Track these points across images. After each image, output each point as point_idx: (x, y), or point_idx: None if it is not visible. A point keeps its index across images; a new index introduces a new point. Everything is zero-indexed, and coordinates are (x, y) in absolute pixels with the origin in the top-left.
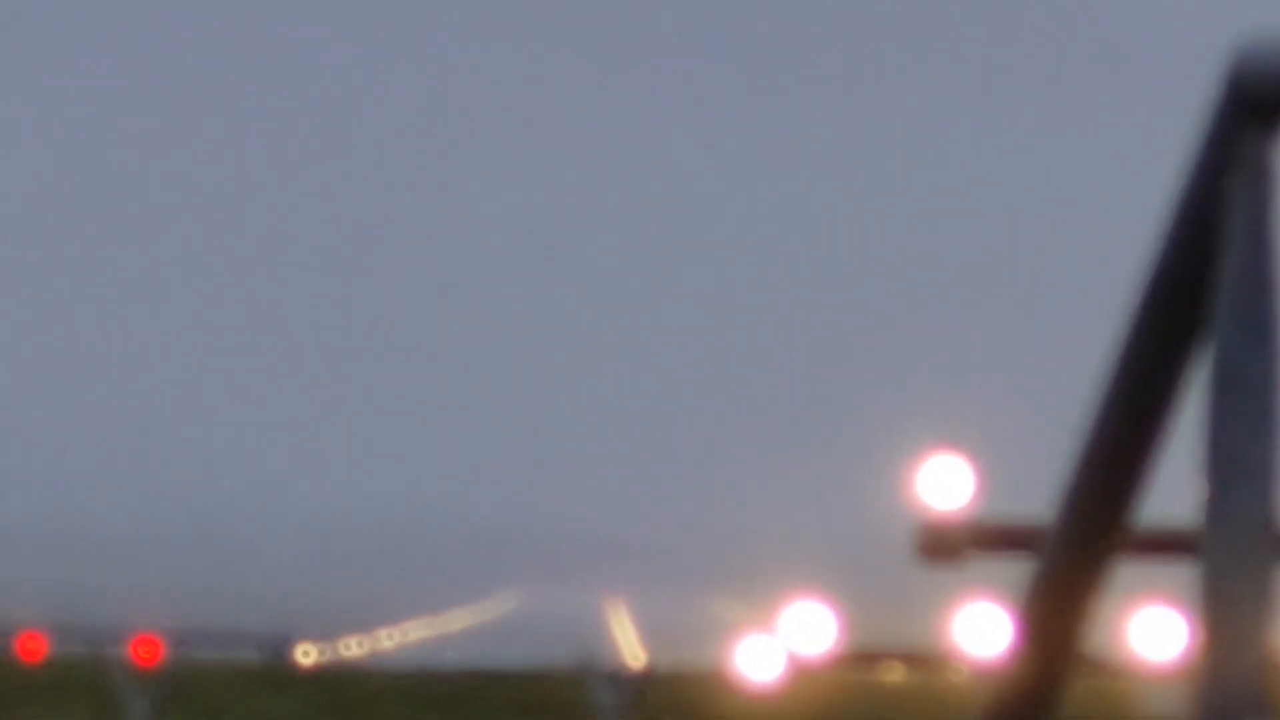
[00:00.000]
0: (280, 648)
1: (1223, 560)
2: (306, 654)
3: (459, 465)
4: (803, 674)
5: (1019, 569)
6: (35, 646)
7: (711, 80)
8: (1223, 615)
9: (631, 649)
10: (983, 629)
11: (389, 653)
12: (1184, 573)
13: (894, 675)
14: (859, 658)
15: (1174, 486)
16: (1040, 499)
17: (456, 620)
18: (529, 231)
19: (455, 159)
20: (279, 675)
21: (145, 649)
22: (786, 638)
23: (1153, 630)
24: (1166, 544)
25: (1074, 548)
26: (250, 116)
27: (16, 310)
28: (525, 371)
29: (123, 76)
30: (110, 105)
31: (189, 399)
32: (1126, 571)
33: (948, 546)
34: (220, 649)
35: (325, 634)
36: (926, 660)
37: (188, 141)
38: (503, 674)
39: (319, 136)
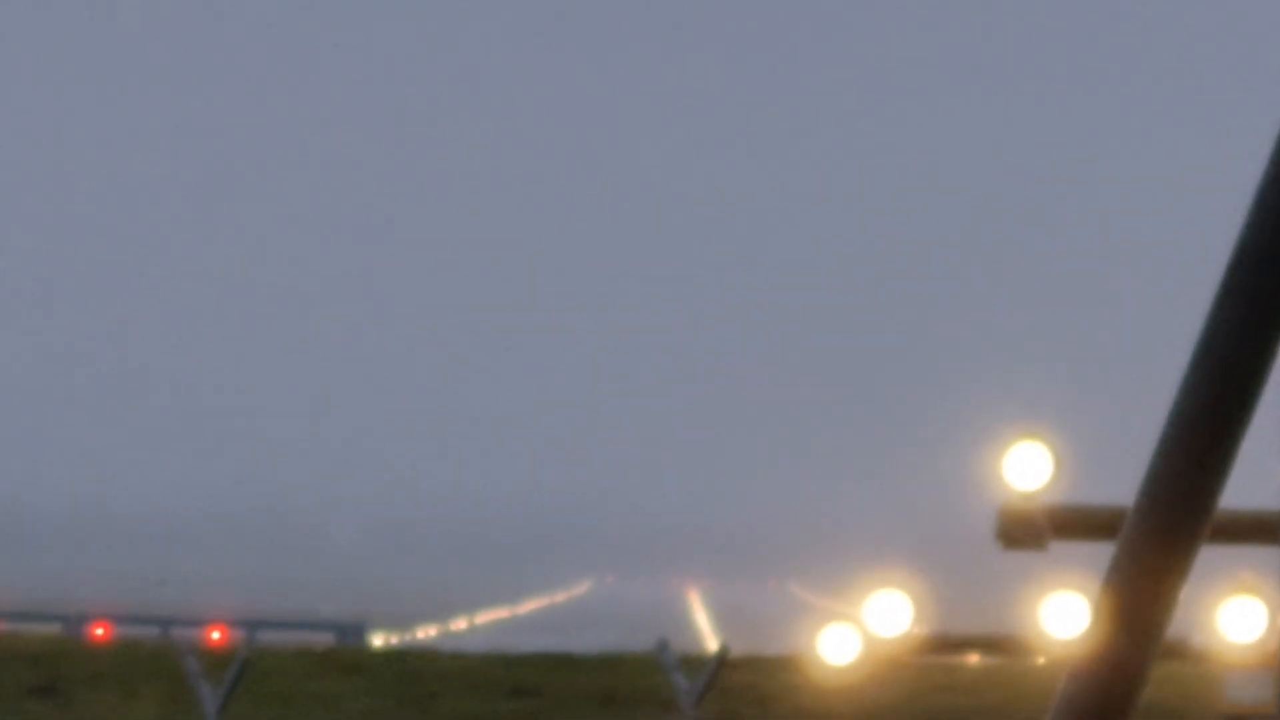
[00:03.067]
0: (354, 635)
1: None
2: (380, 641)
3: (532, 452)
4: (880, 660)
5: (1102, 554)
6: (106, 632)
7: (779, 56)
8: None
9: (708, 634)
10: (1064, 615)
11: (462, 637)
12: (1269, 557)
13: (974, 661)
14: (938, 644)
15: (1260, 470)
16: (1123, 483)
17: (531, 607)
18: (582, 220)
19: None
20: (350, 660)
21: (217, 634)
22: (864, 623)
23: (1236, 616)
24: (1251, 528)
25: (1157, 532)
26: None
27: (81, 295)
28: (597, 357)
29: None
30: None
31: (263, 384)
32: (1210, 556)
33: (1029, 532)
34: (294, 635)
35: (400, 623)
36: (1007, 646)
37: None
38: (577, 659)
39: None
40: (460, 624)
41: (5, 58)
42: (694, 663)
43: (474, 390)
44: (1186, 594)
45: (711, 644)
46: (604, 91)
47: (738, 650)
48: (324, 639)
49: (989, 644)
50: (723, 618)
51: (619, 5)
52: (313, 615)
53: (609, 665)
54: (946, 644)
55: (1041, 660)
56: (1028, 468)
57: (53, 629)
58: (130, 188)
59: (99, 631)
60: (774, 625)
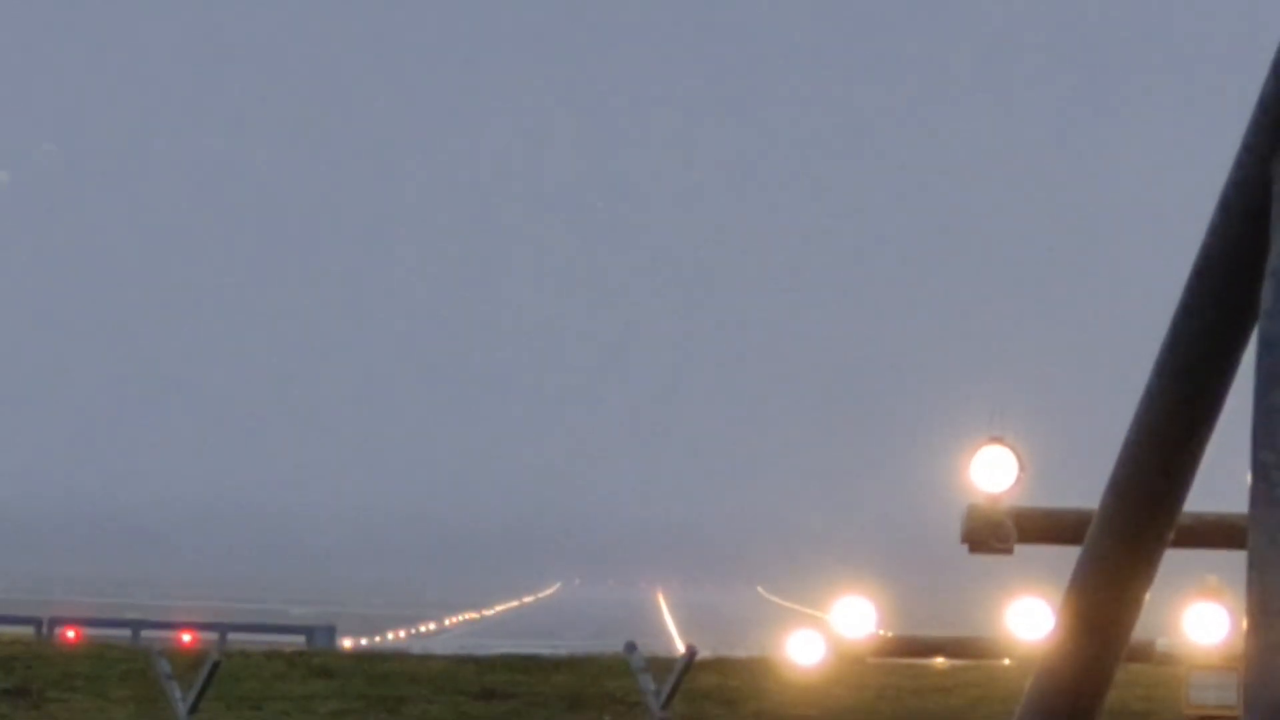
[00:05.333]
0: (324, 638)
1: (1271, 549)
2: (350, 644)
3: (501, 458)
4: (846, 662)
5: (1068, 558)
6: (77, 635)
7: (767, 73)
8: (1271, 604)
9: (675, 636)
10: (1030, 618)
11: (431, 639)
12: (1232, 561)
13: (941, 664)
14: (904, 646)
15: (1224, 475)
16: (1089, 487)
17: (500, 610)
18: (552, 228)
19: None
20: (320, 662)
21: (188, 637)
22: (830, 626)
23: (1201, 619)
24: (1216, 533)
25: (1123, 536)
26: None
27: (56, 303)
28: (570, 361)
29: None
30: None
31: (236, 390)
32: (1175, 559)
33: (995, 535)
34: (264, 638)
35: (370, 626)
36: (973, 649)
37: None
38: (546, 661)
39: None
40: (430, 627)
41: (6, 57)
42: (662, 664)
43: (443, 397)
44: (1151, 597)
45: (679, 646)
46: (588, 94)
47: (705, 652)
48: (294, 641)
49: (955, 646)
50: (690, 620)
51: (605, 6)
52: (283, 618)
53: (577, 667)
54: (913, 646)
55: (1008, 662)
56: (993, 472)
57: (24, 632)
58: (110, 198)
59: (70, 634)
60: (741, 627)
